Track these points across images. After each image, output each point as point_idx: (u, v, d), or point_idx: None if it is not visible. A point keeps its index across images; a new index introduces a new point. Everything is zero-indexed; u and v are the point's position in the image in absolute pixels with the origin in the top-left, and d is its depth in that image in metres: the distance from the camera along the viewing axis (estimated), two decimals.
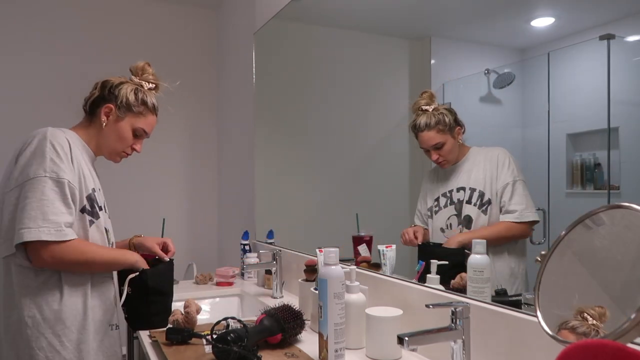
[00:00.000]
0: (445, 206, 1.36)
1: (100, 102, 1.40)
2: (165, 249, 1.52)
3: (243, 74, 2.79)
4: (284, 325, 1.26)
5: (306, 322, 1.40)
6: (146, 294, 1.40)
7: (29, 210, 1.19)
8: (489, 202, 1.24)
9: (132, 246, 1.54)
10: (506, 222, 1.21)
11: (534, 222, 1.14)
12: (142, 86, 1.45)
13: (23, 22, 2.82)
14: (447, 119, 1.32)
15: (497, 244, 1.19)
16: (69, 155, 1.28)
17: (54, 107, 2.84)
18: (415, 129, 1.38)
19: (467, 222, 1.29)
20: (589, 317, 0.69)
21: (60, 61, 2.90)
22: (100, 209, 1.38)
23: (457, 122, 1.32)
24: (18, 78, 2.81)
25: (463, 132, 1.32)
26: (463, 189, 1.31)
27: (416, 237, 1.42)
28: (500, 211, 1.22)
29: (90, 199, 1.33)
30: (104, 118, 1.39)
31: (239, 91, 2.89)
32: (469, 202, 1.29)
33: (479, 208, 1.26)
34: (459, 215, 1.31)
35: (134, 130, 1.44)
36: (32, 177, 1.21)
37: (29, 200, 1.19)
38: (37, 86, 2.85)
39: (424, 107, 1.36)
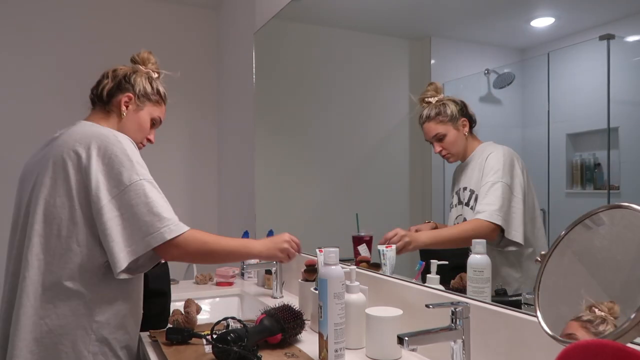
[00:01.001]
0: (456, 205, 1.34)
1: (116, 91, 1.37)
2: None
3: (243, 74, 2.79)
4: (284, 325, 1.26)
5: (306, 322, 1.40)
6: (147, 296, 1.40)
7: (142, 216, 1.17)
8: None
9: None
10: (475, 220, 1.18)
11: (499, 227, 1.12)
12: (151, 75, 1.45)
13: (23, 22, 2.82)
14: (448, 110, 1.30)
15: (464, 245, 1.17)
16: (137, 151, 1.27)
17: (54, 106, 2.85)
18: (419, 122, 1.37)
19: None
20: (598, 310, 0.68)
21: (60, 61, 2.90)
22: None
23: (462, 114, 1.30)
24: (18, 77, 2.81)
25: (472, 126, 1.29)
26: (466, 189, 1.30)
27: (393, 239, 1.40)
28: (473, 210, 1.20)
29: None
30: (124, 108, 1.36)
31: (239, 91, 2.89)
32: (467, 204, 1.28)
33: (472, 210, 1.25)
34: (462, 216, 1.31)
35: (152, 120, 1.43)
36: (128, 184, 1.18)
37: (137, 208, 1.17)
38: (37, 85, 2.85)
39: (428, 99, 1.35)
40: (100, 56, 2.97)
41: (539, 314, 0.76)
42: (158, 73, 1.49)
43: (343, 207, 1.89)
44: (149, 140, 1.46)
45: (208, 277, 2.24)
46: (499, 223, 1.14)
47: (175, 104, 3.27)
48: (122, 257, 1.15)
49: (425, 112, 1.35)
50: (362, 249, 1.62)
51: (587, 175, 1.02)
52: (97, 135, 1.21)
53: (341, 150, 1.95)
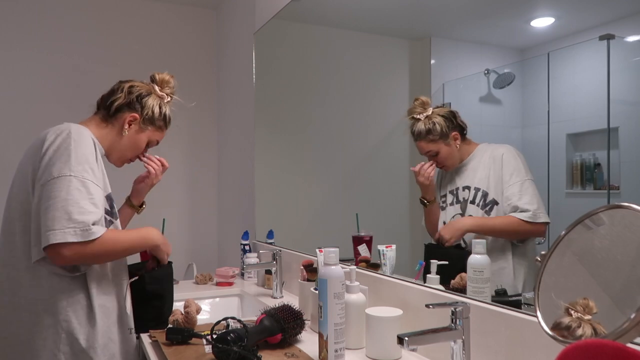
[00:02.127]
0: (452, 204, 1.35)
1: (125, 108, 1.38)
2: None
3: (243, 74, 2.79)
4: (284, 325, 1.26)
5: (306, 322, 1.40)
6: (144, 299, 1.40)
7: (53, 211, 1.13)
8: (494, 202, 1.23)
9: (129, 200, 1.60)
10: (518, 218, 1.17)
11: (547, 224, 1.12)
12: (163, 99, 1.45)
13: (22, 21, 2.82)
14: (438, 127, 1.32)
15: (505, 238, 1.18)
16: (94, 155, 1.25)
17: (53, 106, 2.84)
18: (414, 137, 1.39)
19: None
20: (573, 312, 0.69)
21: (60, 60, 2.90)
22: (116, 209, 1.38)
23: (453, 127, 1.31)
24: (17, 77, 2.81)
25: (464, 133, 1.31)
26: (468, 188, 1.30)
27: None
28: (506, 212, 1.21)
29: (110, 199, 1.31)
30: (126, 126, 1.38)
31: (239, 91, 2.89)
32: (472, 202, 1.28)
33: (482, 208, 1.25)
34: (463, 215, 1.31)
35: (149, 142, 1.46)
36: (56, 176, 1.16)
37: (53, 200, 1.14)
38: (36, 85, 2.85)
39: (416, 116, 1.37)
40: (100, 56, 2.97)
41: (539, 314, 0.76)
42: (171, 97, 1.50)
43: (343, 207, 1.89)
44: (138, 157, 1.50)
45: (208, 277, 2.24)
46: (547, 220, 1.12)
47: (175, 104, 3.27)
48: (35, 251, 1.18)
49: (416, 130, 1.37)
50: (362, 249, 1.62)
51: (587, 175, 1.02)
52: (59, 129, 1.23)
53: (341, 150, 1.95)
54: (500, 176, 1.22)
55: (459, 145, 1.32)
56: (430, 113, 1.34)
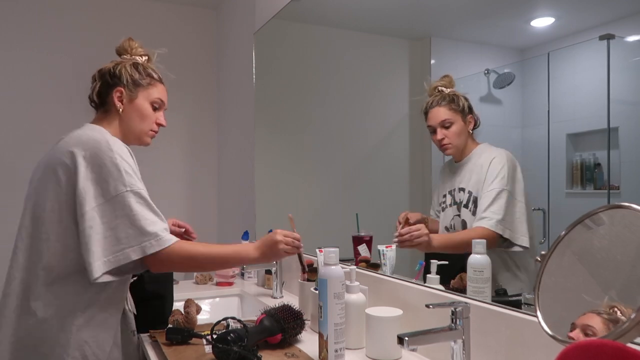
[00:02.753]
0: (450, 205, 1.34)
1: (107, 90, 1.34)
2: (186, 233, 1.54)
3: (243, 74, 2.79)
4: (284, 325, 1.26)
5: (306, 322, 1.40)
6: (144, 298, 1.40)
7: (124, 228, 1.14)
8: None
9: None
10: (480, 228, 1.18)
11: (501, 237, 1.13)
12: (136, 61, 1.40)
13: (21, 21, 2.82)
14: (461, 102, 1.28)
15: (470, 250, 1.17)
16: (131, 157, 1.24)
17: (53, 106, 2.84)
18: (426, 108, 1.33)
19: (463, 226, 1.29)
20: (619, 313, 0.68)
21: (60, 60, 2.90)
22: None
23: (470, 112, 1.28)
24: (18, 77, 2.81)
25: (476, 125, 1.28)
26: (463, 190, 1.30)
27: (406, 221, 1.37)
28: (475, 215, 1.20)
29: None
30: (118, 104, 1.33)
31: (239, 91, 2.89)
32: (465, 205, 1.28)
33: (473, 213, 1.25)
34: (460, 216, 1.31)
35: (152, 104, 1.38)
36: (115, 194, 1.16)
37: (120, 219, 1.15)
38: (36, 85, 2.85)
39: (441, 88, 1.32)
40: (100, 56, 2.97)
41: (539, 314, 0.76)
42: (146, 55, 1.45)
43: (343, 207, 1.89)
44: (159, 124, 1.41)
45: (208, 277, 2.24)
46: (501, 233, 1.15)
47: (175, 104, 3.27)
48: (97, 265, 1.13)
49: (437, 98, 1.31)
50: (362, 249, 1.62)
51: (587, 175, 1.02)
52: (89, 141, 1.20)
53: (341, 150, 1.95)
54: (483, 180, 1.21)
55: (471, 130, 1.29)
56: (454, 90, 1.31)
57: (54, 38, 2.88)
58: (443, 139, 1.30)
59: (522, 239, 1.14)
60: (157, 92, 1.40)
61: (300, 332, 1.33)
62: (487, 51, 1.29)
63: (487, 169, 1.21)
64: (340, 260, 1.16)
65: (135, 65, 1.39)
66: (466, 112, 1.28)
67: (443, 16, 1.44)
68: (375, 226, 1.64)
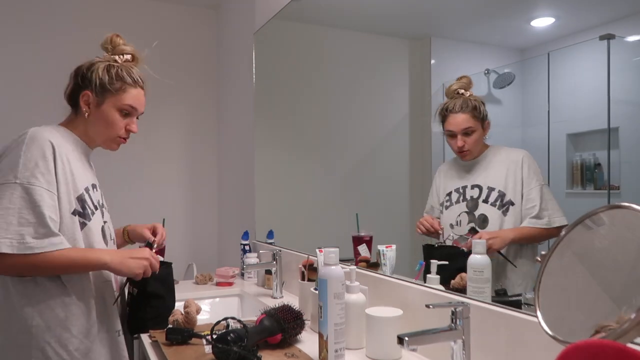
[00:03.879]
0: (457, 202, 1.34)
1: (78, 91, 1.30)
2: (154, 233, 1.50)
3: (243, 74, 2.79)
4: (284, 325, 1.26)
5: (306, 322, 1.40)
6: (144, 298, 1.40)
7: None
8: (510, 203, 1.22)
9: (126, 233, 1.52)
10: (536, 227, 1.17)
11: (564, 226, 1.13)
12: (115, 61, 1.33)
13: (21, 21, 2.82)
14: (482, 109, 1.28)
15: (531, 243, 1.19)
16: (52, 157, 1.19)
17: (53, 106, 2.84)
18: (446, 111, 1.31)
19: (481, 221, 1.27)
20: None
21: (59, 60, 2.90)
22: (96, 207, 1.32)
23: (487, 117, 1.29)
24: (17, 77, 2.81)
25: (489, 129, 1.29)
26: (478, 187, 1.29)
27: (435, 226, 1.38)
28: (524, 214, 1.19)
29: (81, 200, 1.25)
30: (85, 108, 1.29)
31: (239, 91, 2.89)
32: (485, 201, 1.27)
33: (498, 209, 1.24)
34: (470, 213, 1.30)
35: (119, 110, 1.31)
36: (2, 182, 1.13)
37: None
38: (36, 85, 2.85)
39: (461, 91, 1.29)
40: (100, 56, 2.97)
41: (539, 314, 0.76)
42: (131, 55, 1.37)
43: (343, 207, 1.89)
44: (130, 130, 1.35)
45: (208, 277, 2.24)
46: (564, 223, 1.12)
47: (175, 104, 3.27)
48: None
49: (458, 103, 1.28)
50: (362, 249, 1.62)
51: (588, 176, 1.02)
52: (23, 134, 1.20)
53: (341, 150, 1.95)
54: (520, 179, 1.21)
55: (486, 136, 1.29)
56: (472, 93, 1.29)
57: (52, 37, 2.88)
58: (463, 145, 1.30)
59: (563, 219, 1.14)
60: (129, 97, 1.32)
61: (300, 332, 1.33)
62: (487, 51, 1.29)
63: (522, 167, 1.20)
64: (340, 260, 1.16)
65: (109, 67, 1.31)
66: (485, 118, 1.29)
67: (443, 16, 1.44)
68: (375, 226, 1.64)
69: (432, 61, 1.46)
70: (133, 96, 1.33)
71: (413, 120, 1.54)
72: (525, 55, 1.16)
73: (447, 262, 1.28)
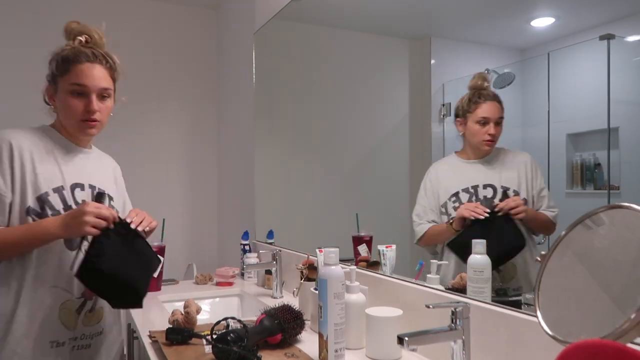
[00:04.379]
0: (469, 202, 1.32)
1: (46, 93, 1.34)
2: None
3: (243, 74, 2.79)
4: (284, 325, 1.26)
5: (306, 322, 1.40)
6: (98, 284, 1.16)
7: None
8: (524, 202, 1.21)
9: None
10: (549, 215, 1.17)
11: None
12: (67, 45, 1.31)
13: (21, 21, 2.82)
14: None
15: (540, 232, 1.19)
16: (7, 156, 1.19)
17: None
18: (481, 97, 1.27)
19: None
20: None
21: None
22: (65, 209, 1.24)
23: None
24: (17, 77, 2.80)
25: None
26: (492, 186, 1.27)
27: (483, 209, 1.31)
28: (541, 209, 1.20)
29: (41, 200, 1.22)
30: (50, 102, 1.32)
31: (239, 91, 2.89)
32: (501, 200, 1.25)
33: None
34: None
35: (70, 93, 1.25)
36: None
37: None
38: (36, 84, 2.84)
39: (486, 84, 1.27)
40: None
41: (539, 314, 0.76)
42: (85, 35, 1.34)
43: (343, 207, 1.89)
44: (89, 111, 1.25)
45: (208, 277, 2.24)
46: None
47: (175, 104, 3.27)
48: None
49: (491, 92, 1.25)
50: (362, 249, 1.62)
51: (587, 176, 1.02)
52: None
53: (341, 150, 1.95)
54: (530, 179, 1.21)
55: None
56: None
57: (53, 37, 2.88)
58: (494, 135, 1.27)
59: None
60: (74, 75, 1.24)
61: (300, 332, 1.33)
62: (487, 51, 1.29)
63: (531, 169, 1.21)
64: (340, 260, 1.16)
65: (56, 55, 1.29)
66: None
67: (443, 16, 1.44)
68: (375, 226, 1.64)
69: (432, 61, 1.46)
70: (78, 73, 1.25)
71: (413, 120, 1.54)
72: (525, 55, 1.16)
73: (447, 262, 1.28)
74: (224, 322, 1.28)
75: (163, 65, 3.16)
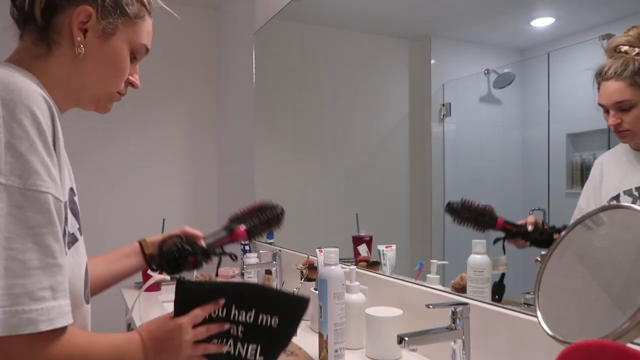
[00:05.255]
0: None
1: (62, 5, 0.73)
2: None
3: (243, 74, 2.79)
4: (244, 219, 1.05)
5: (306, 322, 1.40)
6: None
7: None
8: None
9: (147, 246, 1.08)
10: None
11: None
12: None
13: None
14: None
15: None
16: (49, 133, 0.64)
17: None
18: (599, 77, 0.95)
19: None
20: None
21: None
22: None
23: None
24: None
25: None
26: None
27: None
28: None
29: (72, 202, 0.74)
30: (79, 37, 0.73)
31: (239, 91, 2.89)
32: None
33: None
34: None
35: (132, 51, 0.82)
36: None
37: None
38: None
39: (623, 48, 0.92)
40: None
41: (539, 314, 0.76)
42: None
43: (343, 207, 1.89)
44: (131, 84, 0.85)
45: (208, 277, 2.24)
46: None
47: (175, 104, 3.27)
48: None
49: (614, 66, 0.91)
50: (362, 249, 1.62)
51: (587, 176, 1.02)
52: None
53: (341, 150, 1.95)
54: None
55: None
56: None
57: None
58: (618, 124, 0.93)
59: None
60: (146, 32, 0.85)
61: (274, 225, 1.08)
62: (487, 51, 1.29)
63: None
64: (340, 260, 1.16)
65: None
66: None
67: (443, 16, 1.44)
68: (375, 226, 1.64)
69: (432, 61, 1.46)
70: (149, 32, 0.87)
71: (413, 120, 1.54)
72: (525, 55, 1.16)
73: (446, 262, 1.28)
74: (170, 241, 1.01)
75: (163, 65, 3.15)
